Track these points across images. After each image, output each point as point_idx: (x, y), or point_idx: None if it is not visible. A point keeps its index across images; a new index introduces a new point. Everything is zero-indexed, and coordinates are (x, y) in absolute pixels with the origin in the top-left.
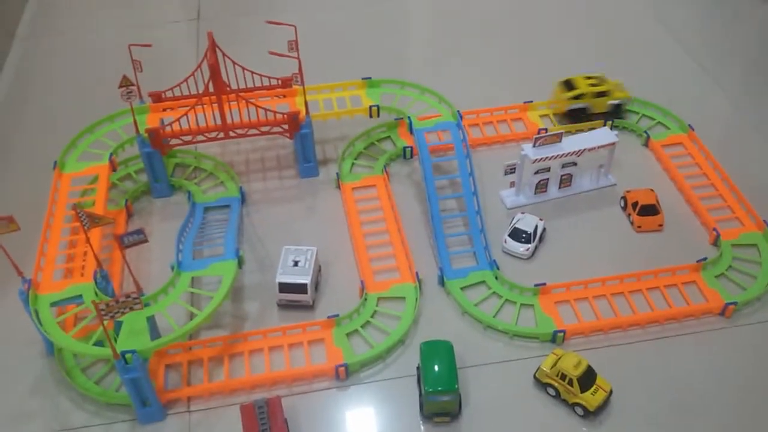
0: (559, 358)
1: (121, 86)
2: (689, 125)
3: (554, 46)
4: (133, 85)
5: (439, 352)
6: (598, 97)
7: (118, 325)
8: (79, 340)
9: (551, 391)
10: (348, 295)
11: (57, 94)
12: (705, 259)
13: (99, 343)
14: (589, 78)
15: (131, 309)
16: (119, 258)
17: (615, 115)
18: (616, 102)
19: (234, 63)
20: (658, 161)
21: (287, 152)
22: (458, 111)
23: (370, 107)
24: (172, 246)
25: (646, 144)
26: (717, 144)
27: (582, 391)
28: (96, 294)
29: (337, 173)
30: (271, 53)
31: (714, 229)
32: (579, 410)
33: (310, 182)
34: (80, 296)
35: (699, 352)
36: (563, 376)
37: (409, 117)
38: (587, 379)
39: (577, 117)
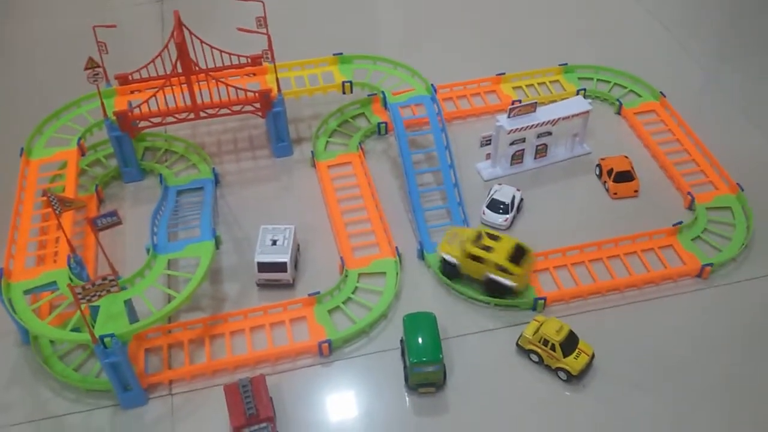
0: (541, 325)
1: (86, 68)
2: (661, 92)
3: (525, 16)
4: (99, 66)
5: (422, 323)
6: (473, 260)
7: (95, 311)
8: (55, 327)
9: (534, 358)
10: (328, 273)
11: (20, 81)
12: (681, 222)
13: (76, 330)
14: (493, 239)
15: (108, 291)
16: (92, 244)
17: (492, 293)
18: (495, 279)
19: (202, 42)
20: (632, 129)
21: (260, 132)
22: (432, 85)
23: (343, 83)
24: (145, 231)
25: (618, 112)
26: (688, 110)
27: (565, 356)
28: (71, 279)
29: (311, 152)
30: (240, 29)
31: (689, 193)
32: (562, 375)
33: (284, 162)
34: (54, 283)
35: (678, 314)
36: (545, 342)
37: (383, 92)
38: (569, 343)
39: (447, 272)
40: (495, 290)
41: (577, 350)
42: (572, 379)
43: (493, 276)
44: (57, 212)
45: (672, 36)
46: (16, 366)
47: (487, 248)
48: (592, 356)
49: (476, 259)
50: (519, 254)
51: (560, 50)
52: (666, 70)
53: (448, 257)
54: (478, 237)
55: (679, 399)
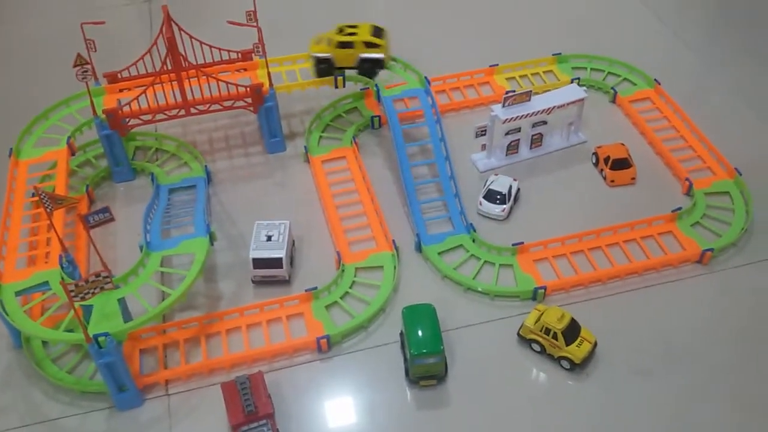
0: (542, 314)
1: (75, 65)
2: (655, 79)
3: (517, 6)
4: (87, 63)
5: (421, 315)
6: (342, 48)
7: (88, 312)
8: (48, 328)
9: (536, 347)
10: (325, 268)
11: (8, 82)
12: (680, 208)
13: (69, 331)
14: (351, 27)
15: (102, 289)
16: (83, 245)
17: (367, 72)
18: (367, 56)
19: (191, 37)
20: (627, 117)
21: (252, 129)
22: (426, 77)
23: (335, 77)
24: (137, 230)
25: (613, 101)
26: (683, 96)
27: (567, 344)
28: (63, 279)
29: (305, 147)
30: (230, 23)
31: (686, 179)
32: (565, 363)
33: (277, 158)
34: (46, 283)
35: (679, 299)
36: (547, 331)
37: (376, 85)
38: (571, 331)
39: (322, 70)
40: (369, 69)
41: (579, 338)
42: (575, 367)
43: (364, 55)
44: (48, 210)
45: (663, 23)
46: (9, 369)
47: (352, 34)
48: (595, 344)
49: (346, 45)
50: (378, 32)
51: (553, 40)
52: (659, 58)
53: (320, 55)
54: (340, 30)
55: (683, 384)
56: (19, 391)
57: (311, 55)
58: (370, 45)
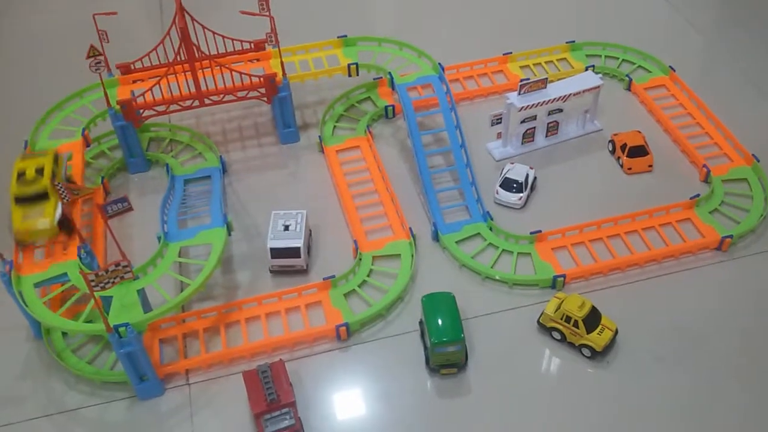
0: (563, 301)
1: (88, 56)
2: (670, 66)
3: None
4: (101, 54)
5: (441, 304)
6: (55, 185)
7: (108, 303)
8: (68, 319)
9: (556, 335)
10: (342, 257)
11: (22, 74)
12: (698, 195)
13: (89, 322)
14: (21, 175)
15: (122, 278)
16: (100, 236)
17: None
18: (65, 168)
19: (204, 27)
20: (642, 104)
21: (265, 119)
22: (439, 64)
23: (349, 65)
24: (154, 221)
25: (628, 88)
26: (698, 83)
27: (588, 332)
28: (82, 269)
29: (319, 137)
30: (243, 12)
31: (704, 166)
32: (586, 351)
33: (291, 148)
34: (65, 274)
35: (699, 287)
36: (568, 319)
37: (390, 73)
38: (592, 319)
39: (67, 225)
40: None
41: (600, 326)
42: (596, 355)
43: (65, 167)
44: (65, 201)
45: (676, 9)
46: (29, 360)
47: (38, 171)
48: (616, 332)
49: (54, 179)
50: (36, 154)
51: (566, 28)
52: (674, 44)
53: (57, 217)
54: (24, 184)
55: (703, 372)
56: (40, 381)
57: (52, 228)
58: (55, 160)
